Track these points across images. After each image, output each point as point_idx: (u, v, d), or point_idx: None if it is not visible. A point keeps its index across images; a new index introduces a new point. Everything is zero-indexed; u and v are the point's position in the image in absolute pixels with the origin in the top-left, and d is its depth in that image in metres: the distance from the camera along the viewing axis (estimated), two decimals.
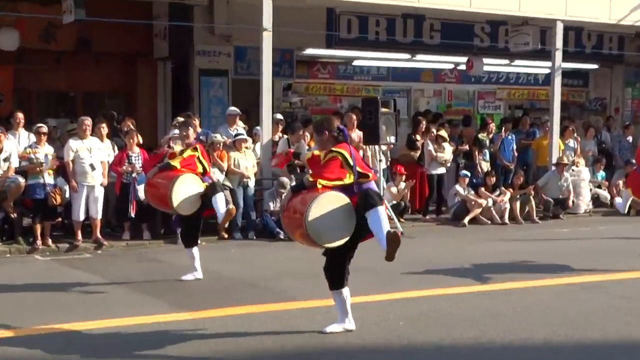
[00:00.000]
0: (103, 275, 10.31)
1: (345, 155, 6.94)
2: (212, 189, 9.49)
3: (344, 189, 6.88)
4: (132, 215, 12.92)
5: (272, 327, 7.47)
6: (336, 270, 7.08)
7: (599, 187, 18.53)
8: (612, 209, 18.07)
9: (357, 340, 7.03)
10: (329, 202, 6.74)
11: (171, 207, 9.32)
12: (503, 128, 17.64)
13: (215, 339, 7.11)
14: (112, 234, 13.37)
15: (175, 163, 9.58)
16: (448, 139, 16.41)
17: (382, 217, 6.79)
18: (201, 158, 9.77)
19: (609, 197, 18.41)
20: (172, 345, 6.89)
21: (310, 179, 6.89)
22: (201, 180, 9.57)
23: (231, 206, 9.83)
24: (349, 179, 6.88)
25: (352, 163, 6.92)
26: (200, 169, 9.67)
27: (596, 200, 18.28)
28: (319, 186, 6.80)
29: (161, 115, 17.84)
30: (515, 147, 17.63)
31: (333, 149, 7.01)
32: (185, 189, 9.32)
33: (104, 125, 13.27)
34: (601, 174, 18.69)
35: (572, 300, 8.80)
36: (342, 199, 6.81)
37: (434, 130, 16.36)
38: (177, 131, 13.46)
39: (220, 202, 9.48)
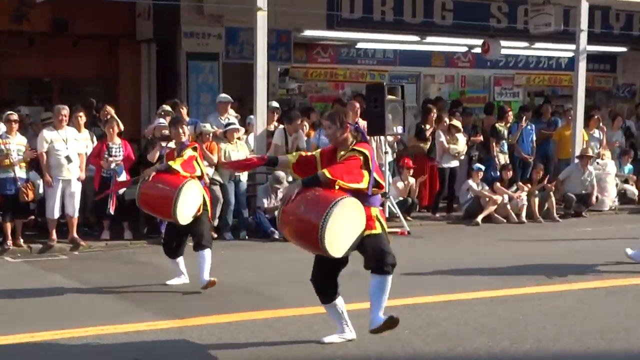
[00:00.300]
0: (80, 279, 10.32)
1: (367, 157, 6.83)
2: (200, 237, 9.45)
3: (355, 194, 6.74)
4: (112, 212, 12.92)
5: (266, 337, 7.49)
6: (326, 282, 7.10)
7: (626, 181, 18.55)
8: None
9: (357, 351, 7.04)
10: (349, 211, 6.60)
11: (172, 216, 9.19)
12: (522, 117, 17.64)
13: (204, 349, 7.12)
14: (90, 234, 13.40)
15: (177, 166, 9.39)
16: (462, 129, 16.39)
17: (387, 289, 6.77)
18: (199, 160, 9.71)
19: (637, 192, 18.45)
20: (157, 356, 6.90)
21: (328, 176, 6.67)
22: (201, 187, 9.57)
23: (213, 279, 9.36)
24: (364, 184, 6.76)
25: (371, 167, 6.82)
26: (198, 172, 9.61)
27: (623, 196, 18.29)
28: (336, 187, 6.66)
29: (145, 102, 17.85)
30: (535, 138, 17.64)
31: (355, 147, 6.89)
32: (189, 198, 9.21)
33: (81, 114, 13.28)
34: (629, 167, 18.71)
35: (596, 306, 8.80)
36: (361, 209, 6.68)
37: (447, 120, 16.34)
38: (162, 120, 13.55)
39: (207, 261, 9.37)
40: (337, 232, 6.50)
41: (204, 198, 9.46)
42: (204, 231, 9.46)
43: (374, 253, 6.71)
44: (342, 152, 6.95)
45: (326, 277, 7.09)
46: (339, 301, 7.17)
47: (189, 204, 9.23)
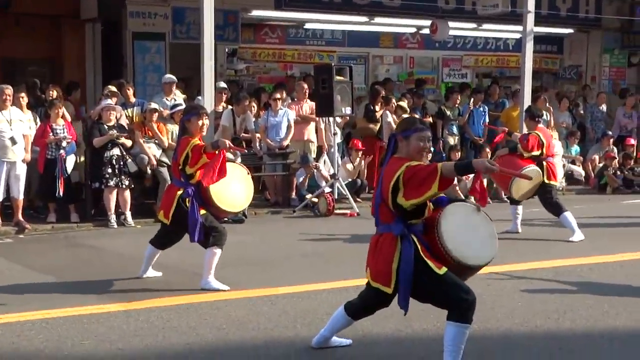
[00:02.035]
0: (25, 262, 10.22)
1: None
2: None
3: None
4: (61, 194, 12.79)
5: (214, 319, 7.49)
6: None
7: (573, 162, 18.81)
8: (587, 187, 18.45)
9: (306, 332, 7.07)
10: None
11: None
12: (472, 99, 17.76)
13: (150, 332, 7.09)
14: (36, 217, 13.27)
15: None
16: (409, 110, 16.47)
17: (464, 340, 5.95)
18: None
19: (583, 173, 18.72)
20: (100, 340, 6.85)
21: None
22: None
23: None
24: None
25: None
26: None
27: (570, 177, 18.54)
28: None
29: (90, 83, 17.68)
30: (487, 120, 17.79)
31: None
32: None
33: (23, 94, 13.08)
34: (575, 148, 18.98)
35: (543, 286, 8.90)
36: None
37: (394, 101, 16.43)
38: (109, 101, 13.43)
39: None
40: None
41: None
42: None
43: (455, 306, 5.90)
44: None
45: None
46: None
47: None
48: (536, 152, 11.53)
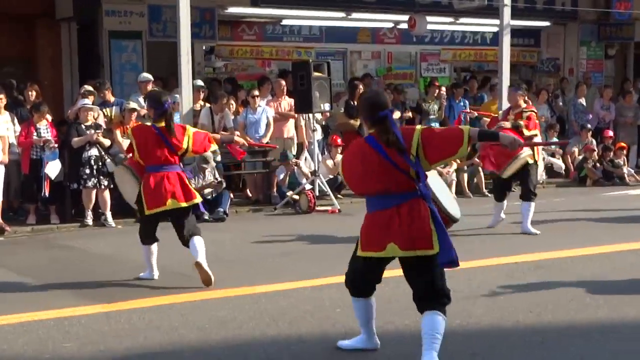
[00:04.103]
0: (4, 264, 10.19)
1: None
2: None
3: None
4: (47, 194, 12.75)
5: (196, 319, 7.48)
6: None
7: (553, 155, 18.88)
8: (567, 180, 18.54)
9: (289, 330, 7.08)
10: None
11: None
12: (453, 93, 17.81)
13: (132, 333, 7.08)
14: (15, 218, 13.21)
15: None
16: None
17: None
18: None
19: (563, 166, 18.81)
20: (81, 342, 6.83)
21: None
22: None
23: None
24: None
25: None
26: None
27: (550, 170, 18.62)
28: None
29: (67, 84, 17.59)
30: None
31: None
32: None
33: (2, 96, 12.99)
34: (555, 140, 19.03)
35: (525, 280, 8.95)
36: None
37: None
38: (86, 101, 13.37)
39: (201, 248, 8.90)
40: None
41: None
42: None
43: (427, 293, 6.13)
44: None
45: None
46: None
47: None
48: (534, 132, 11.75)
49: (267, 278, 9.06)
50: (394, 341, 6.73)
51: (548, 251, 10.47)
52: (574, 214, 13.65)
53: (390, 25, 20.80)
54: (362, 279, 6.29)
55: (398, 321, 7.22)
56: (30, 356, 6.56)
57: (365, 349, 6.50)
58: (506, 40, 17.87)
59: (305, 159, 15.68)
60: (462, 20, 20.71)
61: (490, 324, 7.33)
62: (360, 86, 16.47)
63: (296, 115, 15.57)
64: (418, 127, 6.05)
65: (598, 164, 18.58)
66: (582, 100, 20.25)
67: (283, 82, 15.80)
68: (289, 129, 15.64)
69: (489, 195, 16.18)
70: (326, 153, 15.96)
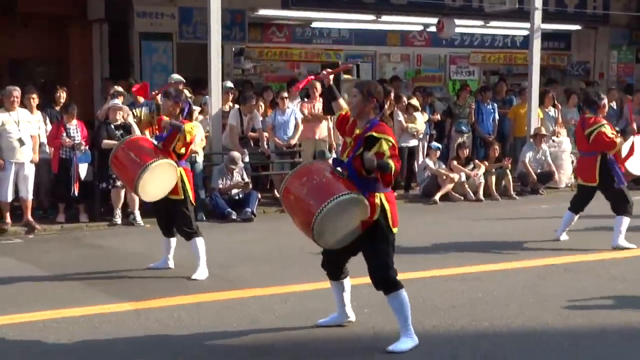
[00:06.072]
0: (35, 262, 10.25)
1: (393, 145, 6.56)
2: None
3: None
4: (76, 193, 12.83)
5: (226, 318, 7.49)
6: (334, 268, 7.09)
7: None
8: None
9: (318, 330, 7.08)
10: (352, 208, 6.43)
11: (135, 191, 9.31)
12: (481, 97, 17.75)
13: (161, 332, 7.11)
14: (45, 217, 13.29)
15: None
16: (420, 108, 16.45)
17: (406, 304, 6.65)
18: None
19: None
20: (112, 339, 6.88)
21: (393, 168, 6.43)
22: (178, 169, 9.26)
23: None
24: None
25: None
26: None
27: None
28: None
29: (98, 84, 17.69)
30: (497, 117, 17.78)
31: (385, 136, 6.51)
32: (159, 178, 8.99)
33: (34, 95, 13.08)
34: None
35: (555, 283, 8.92)
36: (365, 212, 6.51)
37: (405, 99, 16.41)
38: (117, 101, 13.44)
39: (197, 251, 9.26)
40: (332, 226, 6.35)
41: (182, 182, 9.16)
42: (180, 220, 9.26)
43: (378, 280, 6.88)
44: (358, 131, 6.73)
45: (332, 264, 7.05)
46: (346, 282, 7.15)
47: (158, 183, 9.00)
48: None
49: (296, 278, 9.06)
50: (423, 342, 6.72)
51: (576, 254, 10.42)
52: (605, 218, 13.54)
53: (420, 28, 20.79)
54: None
55: (426, 321, 7.22)
56: (61, 352, 6.61)
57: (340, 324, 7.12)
58: (536, 43, 17.77)
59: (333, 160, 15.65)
60: (492, 23, 20.66)
61: (520, 325, 7.28)
62: (392, 89, 16.47)
63: (328, 116, 15.57)
64: None
65: None
66: (613, 104, 20.09)
67: (318, 85, 15.80)
68: (322, 130, 15.63)
69: (517, 197, 16.15)
70: None
